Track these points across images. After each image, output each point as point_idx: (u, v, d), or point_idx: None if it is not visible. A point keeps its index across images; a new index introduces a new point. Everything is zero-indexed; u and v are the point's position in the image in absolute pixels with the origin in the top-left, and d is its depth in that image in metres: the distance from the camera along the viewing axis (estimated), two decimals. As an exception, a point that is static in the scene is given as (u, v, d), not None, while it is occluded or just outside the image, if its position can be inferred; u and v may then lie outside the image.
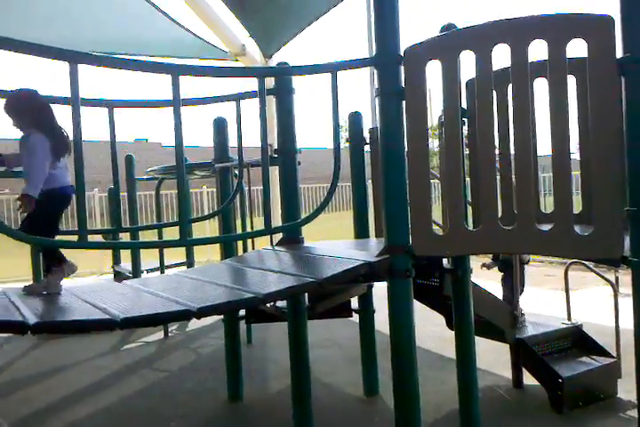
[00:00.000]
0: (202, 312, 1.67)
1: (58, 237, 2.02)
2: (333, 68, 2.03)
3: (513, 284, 3.14)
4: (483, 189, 1.81)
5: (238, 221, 3.63)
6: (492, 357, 3.24)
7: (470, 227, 1.89)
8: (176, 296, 1.89)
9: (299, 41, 6.95)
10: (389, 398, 1.97)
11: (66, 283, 2.07)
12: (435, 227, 1.90)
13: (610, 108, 1.58)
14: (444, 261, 2.37)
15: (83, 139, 1.83)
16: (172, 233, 5.14)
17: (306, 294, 2.58)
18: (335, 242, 2.94)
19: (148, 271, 5.12)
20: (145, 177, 5.44)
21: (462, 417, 2.35)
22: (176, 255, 5.46)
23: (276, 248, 2.59)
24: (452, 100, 1.85)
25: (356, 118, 3.10)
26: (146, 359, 4.00)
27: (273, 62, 7.22)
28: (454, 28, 2.09)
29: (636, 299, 1.64)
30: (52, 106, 2.16)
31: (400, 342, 1.88)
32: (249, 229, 3.66)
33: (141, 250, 4.91)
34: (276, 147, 2.62)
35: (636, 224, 1.60)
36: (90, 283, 6.67)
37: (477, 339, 2.34)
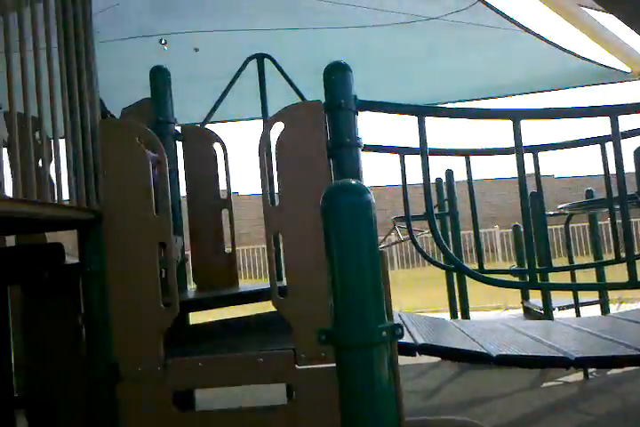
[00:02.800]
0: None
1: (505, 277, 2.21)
2: None
3: None
4: None
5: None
6: None
7: None
8: (622, 339, 1.85)
9: None
10: None
11: (479, 316, 2.22)
12: None
13: None
14: None
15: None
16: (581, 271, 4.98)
17: None
18: None
19: (559, 309, 5.03)
20: (551, 212, 5.41)
21: None
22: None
23: None
24: None
25: None
26: (568, 400, 3.90)
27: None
28: None
29: None
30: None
31: None
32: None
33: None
34: None
35: None
36: (503, 317, 6.91)
37: None
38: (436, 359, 4.92)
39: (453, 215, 5.50)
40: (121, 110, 2.79)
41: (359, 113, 2.05)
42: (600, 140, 2.38)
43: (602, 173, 2.84)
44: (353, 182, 1.24)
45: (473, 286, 5.02)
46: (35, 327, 2.12)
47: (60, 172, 1.79)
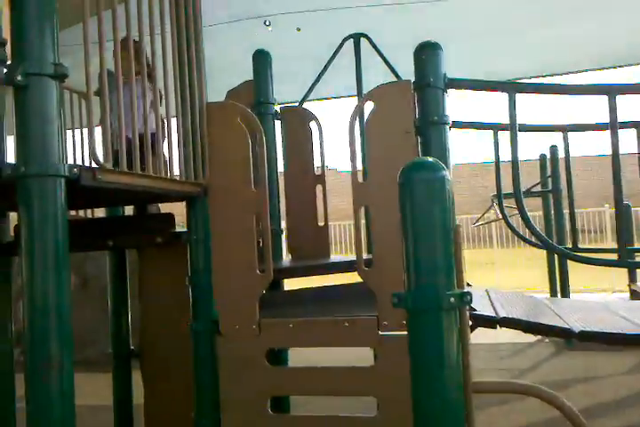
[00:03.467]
0: None
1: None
2: None
3: None
4: None
5: None
6: None
7: None
8: None
9: None
10: None
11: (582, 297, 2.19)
12: None
13: None
14: None
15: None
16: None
17: None
18: None
19: (669, 293, 4.76)
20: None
21: None
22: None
23: None
24: None
25: None
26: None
27: None
28: None
29: None
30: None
31: None
32: None
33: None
34: None
35: None
36: (602, 300, 6.63)
37: None
38: (533, 339, 4.86)
39: (556, 193, 5.33)
40: (226, 92, 2.98)
41: (448, 90, 2.08)
42: None
43: None
44: (429, 159, 1.31)
45: (579, 268, 4.86)
46: (148, 287, 2.40)
47: (172, 149, 2.00)
